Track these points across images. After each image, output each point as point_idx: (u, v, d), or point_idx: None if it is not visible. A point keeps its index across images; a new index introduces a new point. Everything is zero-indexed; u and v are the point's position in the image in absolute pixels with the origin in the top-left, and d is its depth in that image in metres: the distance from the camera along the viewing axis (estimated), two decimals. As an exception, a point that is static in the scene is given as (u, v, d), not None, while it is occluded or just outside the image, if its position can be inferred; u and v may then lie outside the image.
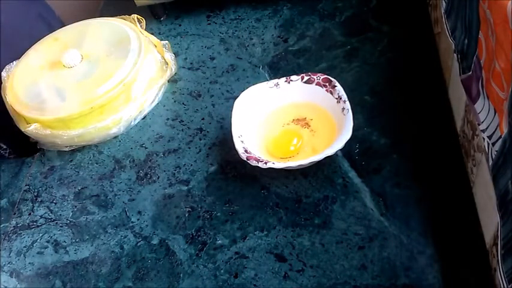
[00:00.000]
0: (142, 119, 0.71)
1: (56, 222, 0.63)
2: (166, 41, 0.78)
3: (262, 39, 0.77)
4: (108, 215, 0.62)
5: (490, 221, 0.46)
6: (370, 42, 0.71)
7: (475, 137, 0.49)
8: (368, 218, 0.55)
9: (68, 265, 0.59)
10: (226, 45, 0.78)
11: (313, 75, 0.63)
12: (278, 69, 0.72)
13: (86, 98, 0.66)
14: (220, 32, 0.80)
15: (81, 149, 0.70)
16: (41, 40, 0.77)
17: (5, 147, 0.77)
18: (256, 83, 0.64)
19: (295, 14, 0.79)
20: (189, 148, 0.67)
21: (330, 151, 0.55)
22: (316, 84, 0.62)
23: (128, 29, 0.73)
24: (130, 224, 0.61)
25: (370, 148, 0.60)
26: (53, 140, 0.68)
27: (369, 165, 0.59)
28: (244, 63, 0.74)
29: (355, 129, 0.56)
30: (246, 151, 0.58)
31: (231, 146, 0.59)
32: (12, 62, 0.75)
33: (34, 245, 0.62)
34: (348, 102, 0.59)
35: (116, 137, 0.70)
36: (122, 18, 0.77)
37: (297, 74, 0.64)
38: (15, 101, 0.69)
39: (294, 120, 0.63)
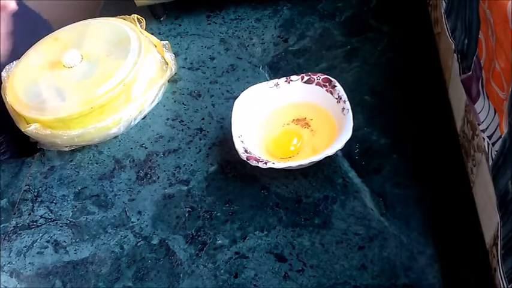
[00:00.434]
0: (142, 119, 0.71)
1: (56, 222, 0.63)
2: (166, 41, 0.78)
3: (262, 39, 0.77)
4: (108, 215, 0.62)
5: (490, 221, 0.46)
6: (370, 42, 0.71)
7: (475, 137, 0.49)
8: (368, 218, 0.55)
9: (68, 265, 0.59)
10: (226, 45, 0.78)
11: (313, 75, 0.63)
12: (278, 69, 0.72)
13: (86, 98, 0.66)
14: (220, 32, 0.80)
15: (81, 149, 0.70)
16: (41, 40, 0.77)
17: (5, 147, 0.77)
18: (256, 83, 0.64)
19: (295, 14, 0.79)
20: (189, 148, 0.67)
21: (330, 151, 0.55)
22: (316, 84, 0.62)
23: (128, 29, 0.73)
24: (130, 224, 0.61)
25: (370, 148, 0.60)
26: (53, 140, 0.68)
27: (369, 165, 0.59)
28: (244, 63, 0.74)
29: (355, 129, 0.56)
30: (246, 151, 0.58)
31: (231, 146, 0.59)
32: (12, 62, 0.75)
33: (34, 245, 0.62)
34: (348, 102, 0.59)
35: (116, 137, 0.70)
36: (122, 18, 0.77)
37: (297, 74, 0.64)
38: (15, 101, 0.69)
39: (294, 120, 0.63)
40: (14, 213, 0.66)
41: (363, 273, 0.51)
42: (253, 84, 0.64)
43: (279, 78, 0.64)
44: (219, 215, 0.59)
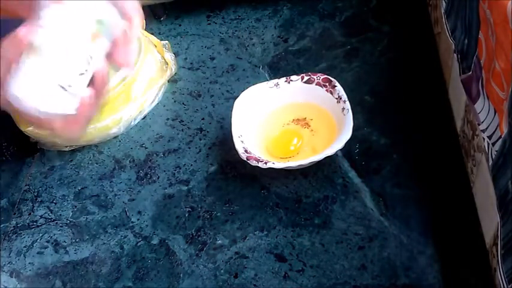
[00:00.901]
0: (143, 119, 0.71)
1: (56, 222, 0.63)
2: (166, 41, 0.78)
3: (262, 39, 0.77)
4: (108, 215, 0.62)
5: (490, 221, 0.46)
6: (370, 42, 0.71)
7: (475, 137, 0.49)
8: (368, 218, 0.55)
9: (68, 265, 0.59)
10: (226, 45, 0.78)
11: (313, 75, 0.63)
12: (278, 69, 0.72)
13: (86, 98, 0.66)
14: (220, 32, 0.80)
15: (81, 149, 0.70)
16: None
17: (5, 147, 0.77)
18: (256, 83, 0.64)
19: (295, 14, 0.79)
20: (189, 148, 0.67)
21: (330, 151, 0.55)
22: (316, 84, 0.62)
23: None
24: (130, 224, 0.61)
25: (370, 148, 0.60)
26: (53, 140, 0.68)
27: (369, 165, 0.59)
28: (244, 63, 0.74)
29: (355, 129, 0.56)
30: (246, 151, 0.58)
31: (231, 146, 0.59)
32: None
33: (34, 245, 0.62)
34: (348, 102, 0.59)
35: (116, 137, 0.70)
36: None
37: (297, 74, 0.64)
38: (15, 101, 0.69)
39: (294, 120, 0.63)
40: (14, 213, 0.66)
41: (363, 273, 0.51)
42: (253, 84, 0.64)
43: (279, 78, 0.64)
44: (219, 215, 0.59)
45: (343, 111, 0.59)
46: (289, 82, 0.63)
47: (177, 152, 0.67)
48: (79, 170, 0.68)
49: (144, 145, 0.69)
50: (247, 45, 0.77)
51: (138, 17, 0.50)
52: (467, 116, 0.52)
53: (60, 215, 0.64)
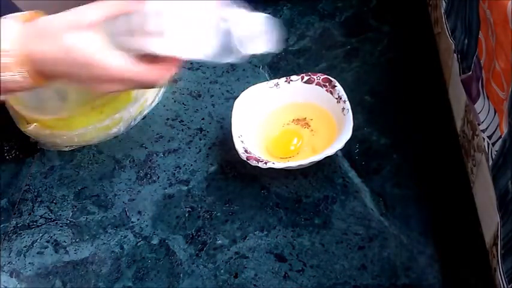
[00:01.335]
0: (142, 119, 0.71)
1: (56, 222, 0.63)
2: (166, 41, 0.78)
3: (262, 39, 0.77)
4: (108, 215, 0.62)
5: (490, 221, 0.46)
6: (370, 42, 0.71)
7: (475, 137, 0.49)
8: (368, 218, 0.55)
9: (68, 265, 0.59)
10: (226, 45, 0.78)
11: (313, 75, 0.63)
12: (278, 69, 0.72)
13: (86, 98, 0.66)
14: (220, 32, 0.80)
15: (81, 149, 0.70)
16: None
17: (5, 147, 0.77)
18: (256, 83, 0.64)
19: (295, 14, 0.79)
20: (189, 148, 0.67)
21: (330, 151, 0.55)
22: (316, 84, 0.62)
23: (128, 29, 0.73)
24: (130, 224, 0.61)
25: (370, 148, 0.60)
26: (53, 140, 0.68)
27: (369, 165, 0.59)
28: (244, 63, 0.74)
29: (355, 129, 0.56)
30: (246, 151, 0.58)
31: (231, 146, 0.59)
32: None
33: (34, 245, 0.62)
34: (348, 102, 0.59)
35: (116, 137, 0.70)
36: (121, 18, 0.77)
37: (297, 74, 0.64)
38: (15, 101, 0.69)
39: (294, 120, 0.63)
40: (14, 213, 0.66)
41: (363, 273, 0.51)
42: (253, 84, 0.64)
43: (279, 78, 0.64)
44: (219, 215, 0.59)
45: (343, 111, 0.59)
46: (289, 82, 0.63)
47: (177, 152, 0.67)
48: (79, 170, 0.68)
49: (144, 145, 0.69)
50: (247, 45, 0.77)
51: None
52: (467, 116, 0.52)
53: (60, 215, 0.64)
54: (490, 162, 0.44)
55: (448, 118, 0.59)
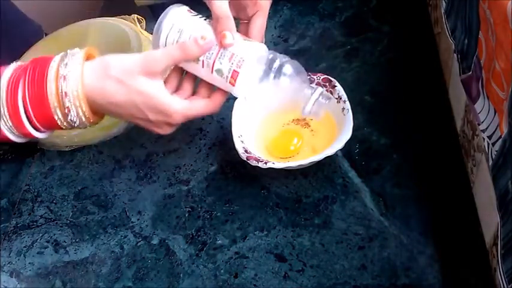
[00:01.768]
0: (142, 119, 0.71)
1: (56, 222, 0.63)
2: (166, 41, 0.78)
3: (262, 39, 0.77)
4: (108, 215, 0.62)
5: (490, 221, 0.46)
6: (370, 42, 0.71)
7: (475, 137, 0.49)
8: (368, 218, 0.55)
9: (68, 265, 0.59)
10: (226, 45, 0.78)
11: (313, 75, 0.63)
12: (278, 69, 0.72)
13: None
14: (220, 32, 0.80)
15: (81, 149, 0.70)
16: (41, 40, 0.77)
17: (5, 147, 0.77)
18: (256, 83, 0.64)
19: (295, 14, 0.79)
20: (189, 148, 0.67)
21: (330, 151, 0.55)
22: (316, 84, 0.62)
23: (128, 29, 0.73)
24: (130, 224, 0.61)
25: (370, 148, 0.60)
26: (53, 140, 0.68)
27: (369, 165, 0.59)
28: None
29: (355, 129, 0.56)
30: (246, 151, 0.58)
31: (231, 146, 0.59)
32: (11, 62, 0.75)
33: (34, 245, 0.62)
34: (348, 102, 0.59)
35: (116, 137, 0.70)
36: (121, 18, 0.77)
37: (297, 74, 0.63)
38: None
39: (294, 120, 0.63)
40: (14, 213, 0.66)
41: (363, 273, 0.51)
42: (253, 84, 0.64)
43: (279, 78, 0.64)
44: (219, 215, 0.59)
45: (343, 111, 0.59)
46: (289, 82, 0.63)
47: (177, 152, 0.67)
48: (79, 170, 0.68)
49: (144, 145, 0.69)
50: (247, 45, 0.77)
51: None
52: (467, 116, 0.52)
53: (60, 215, 0.64)
54: (490, 162, 0.44)
55: (448, 118, 0.59)
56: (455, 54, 0.55)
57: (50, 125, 0.52)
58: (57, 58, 0.51)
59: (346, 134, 0.55)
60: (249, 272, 0.54)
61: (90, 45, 0.72)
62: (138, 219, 0.61)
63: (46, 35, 0.88)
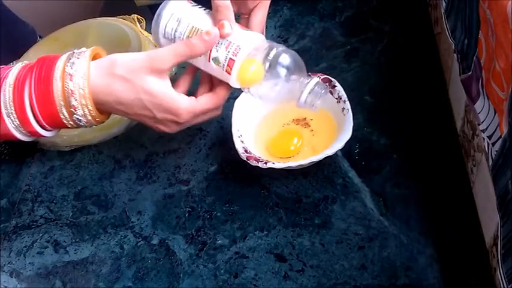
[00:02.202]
0: (143, 119, 0.71)
1: (56, 222, 0.63)
2: (166, 41, 0.78)
3: (262, 39, 0.77)
4: (108, 215, 0.62)
5: (490, 221, 0.46)
6: (370, 42, 0.71)
7: (475, 137, 0.49)
8: (368, 218, 0.55)
9: (68, 265, 0.59)
10: (226, 45, 0.78)
11: (313, 75, 0.62)
12: (278, 69, 0.72)
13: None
14: (220, 32, 0.80)
15: (81, 149, 0.70)
16: (41, 40, 0.77)
17: (5, 147, 0.77)
18: (256, 83, 0.64)
19: (295, 14, 0.79)
20: (189, 148, 0.67)
21: (330, 151, 0.55)
22: (316, 84, 0.62)
23: (128, 29, 0.73)
24: (130, 224, 0.61)
25: (370, 148, 0.60)
26: (53, 140, 0.68)
27: (369, 165, 0.59)
28: (244, 63, 0.74)
29: (355, 129, 0.56)
30: (246, 151, 0.58)
31: (231, 146, 0.59)
32: (11, 62, 0.75)
33: (34, 245, 0.62)
34: (348, 102, 0.59)
35: (116, 137, 0.70)
36: (121, 18, 0.77)
37: (297, 74, 0.63)
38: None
39: (294, 120, 0.63)
40: (14, 213, 0.66)
41: (363, 273, 0.51)
42: (253, 84, 0.64)
43: (279, 78, 0.64)
44: (219, 215, 0.59)
45: (343, 111, 0.59)
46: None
47: (177, 152, 0.67)
48: (79, 170, 0.68)
49: (144, 145, 0.69)
50: (247, 45, 0.77)
51: None
52: (467, 116, 0.52)
53: (60, 215, 0.64)
54: (490, 162, 0.44)
55: (448, 118, 0.59)
56: (455, 54, 0.55)
57: (56, 123, 0.52)
58: (63, 57, 0.51)
59: (346, 134, 0.55)
60: (249, 272, 0.54)
61: (90, 45, 0.73)
62: (138, 219, 0.61)
63: (41, 37, 0.88)
